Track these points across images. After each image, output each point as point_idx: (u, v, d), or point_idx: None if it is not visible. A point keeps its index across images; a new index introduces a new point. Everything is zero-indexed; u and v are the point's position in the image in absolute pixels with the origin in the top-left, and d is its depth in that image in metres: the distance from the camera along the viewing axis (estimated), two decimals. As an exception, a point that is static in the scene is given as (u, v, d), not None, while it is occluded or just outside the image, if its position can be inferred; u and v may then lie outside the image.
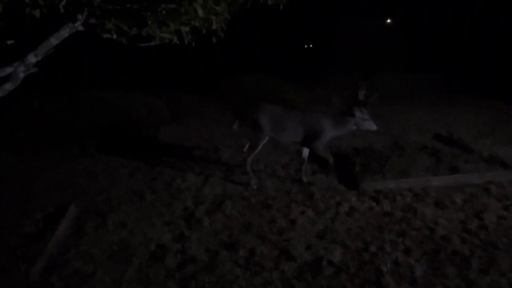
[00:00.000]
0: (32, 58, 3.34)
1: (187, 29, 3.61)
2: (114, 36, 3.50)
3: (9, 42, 3.38)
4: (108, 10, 3.46)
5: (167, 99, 9.83)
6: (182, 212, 4.64)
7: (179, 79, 12.26)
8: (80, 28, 3.49)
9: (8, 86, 3.29)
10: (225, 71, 12.45)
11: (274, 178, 5.56)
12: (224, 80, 11.20)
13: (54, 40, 3.40)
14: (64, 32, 3.44)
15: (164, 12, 3.40)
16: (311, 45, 24.46)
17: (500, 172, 5.22)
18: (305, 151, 5.38)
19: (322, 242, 3.91)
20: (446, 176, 5.25)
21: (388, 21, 27.83)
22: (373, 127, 5.03)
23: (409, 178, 5.19)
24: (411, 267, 3.47)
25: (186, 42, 3.71)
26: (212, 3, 3.52)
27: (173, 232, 4.19)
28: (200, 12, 3.20)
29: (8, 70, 3.34)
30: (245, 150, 5.49)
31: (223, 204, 4.78)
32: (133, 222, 4.43)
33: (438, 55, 14.33)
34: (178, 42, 3.65)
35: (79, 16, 3.44)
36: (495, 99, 9.45)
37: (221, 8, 3.66)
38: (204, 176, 5.68)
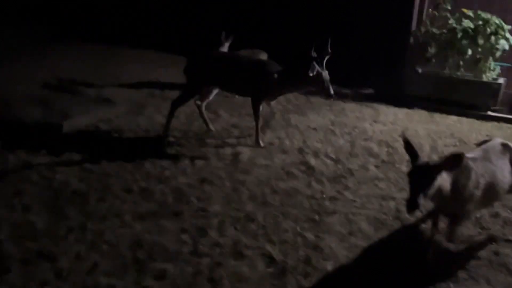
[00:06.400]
0: None
1: None
2: None
3: None
4: None
5: None
6: None
7: None
8: None
9: None
10: None
11: None
12: None
13: None
14: None
15: None
16: None
17: (107, 109, 5.70)
18: None
19: None
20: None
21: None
22: (332, 90, 4.54)
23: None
24: (31, 224, 3.33)
25: None
26: None
27: None
28: None
29: None
30: None
31: None
32: None
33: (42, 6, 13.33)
34: None
35: None
36: (98, 43, 9.96)
37: None
38: None
